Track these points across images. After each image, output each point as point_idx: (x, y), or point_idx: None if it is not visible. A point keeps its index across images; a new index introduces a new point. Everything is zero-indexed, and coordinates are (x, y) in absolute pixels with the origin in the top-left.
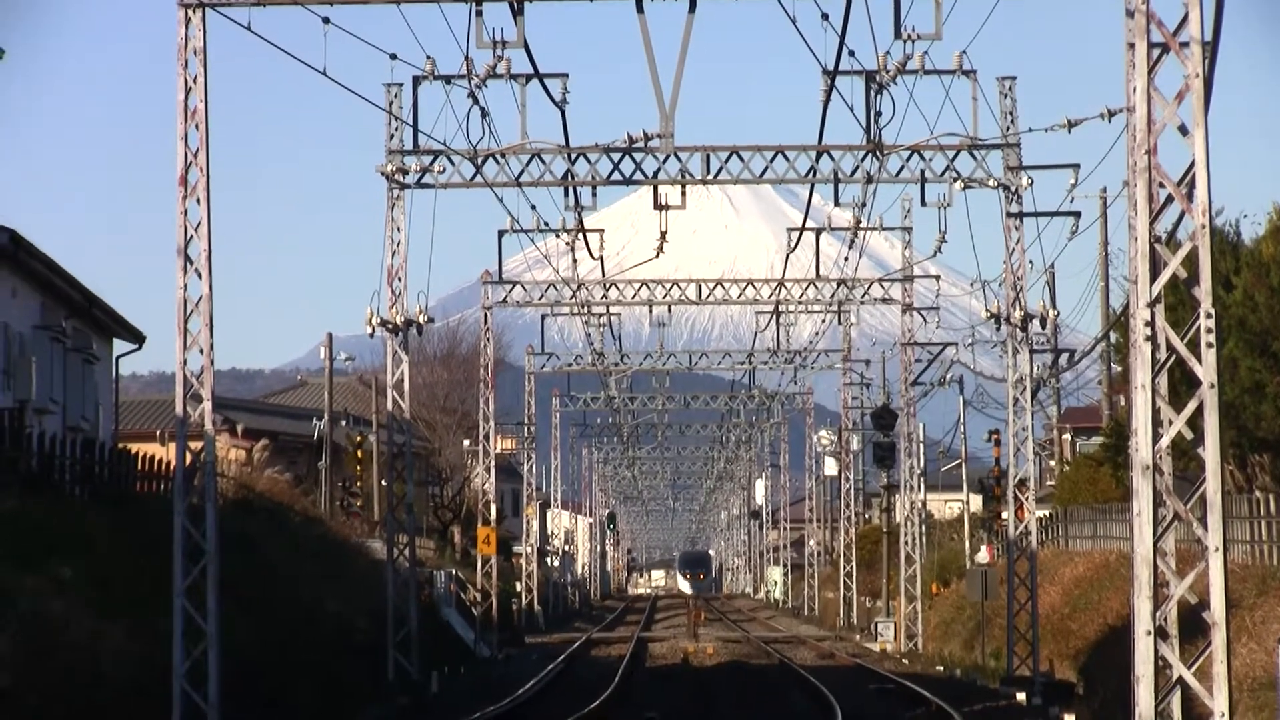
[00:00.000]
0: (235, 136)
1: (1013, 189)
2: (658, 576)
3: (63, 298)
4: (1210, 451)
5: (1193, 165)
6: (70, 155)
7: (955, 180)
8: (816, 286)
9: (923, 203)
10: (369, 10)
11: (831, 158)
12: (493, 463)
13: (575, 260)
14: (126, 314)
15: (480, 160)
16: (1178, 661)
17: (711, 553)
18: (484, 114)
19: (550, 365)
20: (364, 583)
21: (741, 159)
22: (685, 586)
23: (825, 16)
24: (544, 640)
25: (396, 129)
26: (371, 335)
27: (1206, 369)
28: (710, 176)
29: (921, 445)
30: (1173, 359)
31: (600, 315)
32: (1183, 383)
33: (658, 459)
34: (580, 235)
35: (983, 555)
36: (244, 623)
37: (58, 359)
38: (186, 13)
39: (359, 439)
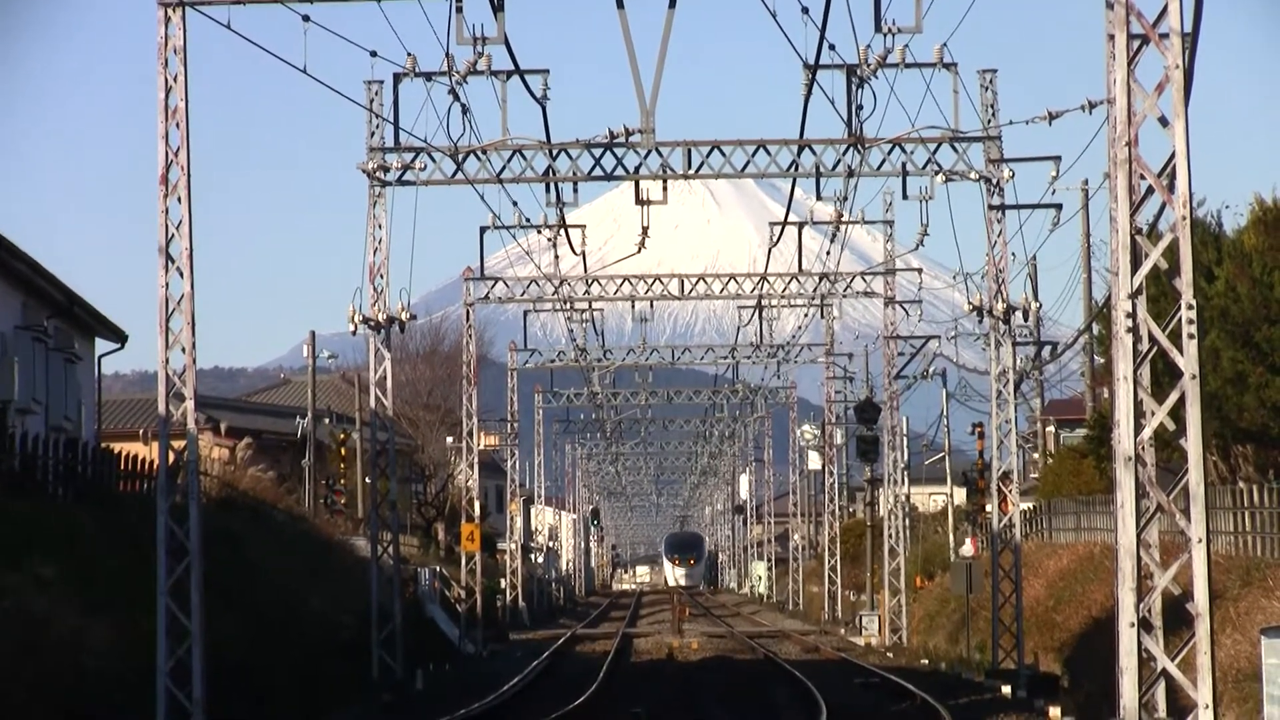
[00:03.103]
0: (216, 135)
1: (994, 181)
2: (642, 572)
3: (45, 297)
4: (1193, 443)
5: (1173, 156)
6: (52, 154)
7: (937, 173)
8: (799, 280)
9: (904, 196)
10: (349, 8)
11: (813, 151)
12: (476, 459)
13: (557, 256)
14: (108, 313)
15: (461, 157)
16: (1161, 653)
17: (704, 536)
18: (465, 110)
19: (533, 361)
20: (348, 580)
21: (723, 153)
22: (674, 577)
23: (805, 10)
24: (528, 637)
25: (377, 126)
26: (354, 333)
27: (1188, 360)
28: (692, 171)
29: (905, 438)
30: (1155, 350)
31: (583, 311)
32: (1165, 374)
33: (641, 454)
34: (562, 231)
35: (967, 548)
36: (228, 621)
37: (40, 359)
38: (166, 11)
39: (342, 437)
